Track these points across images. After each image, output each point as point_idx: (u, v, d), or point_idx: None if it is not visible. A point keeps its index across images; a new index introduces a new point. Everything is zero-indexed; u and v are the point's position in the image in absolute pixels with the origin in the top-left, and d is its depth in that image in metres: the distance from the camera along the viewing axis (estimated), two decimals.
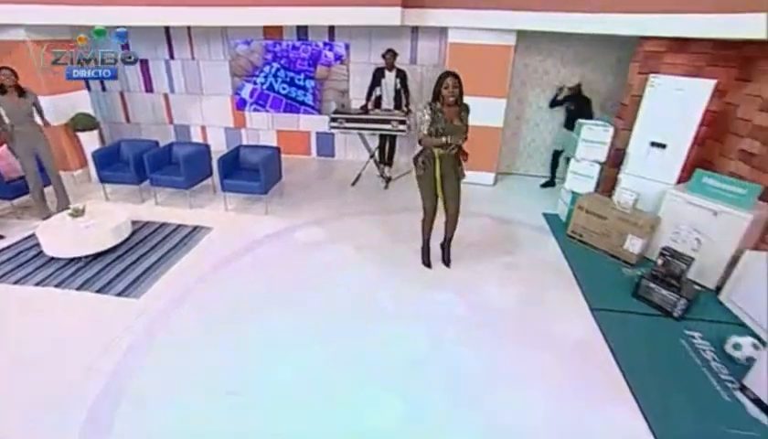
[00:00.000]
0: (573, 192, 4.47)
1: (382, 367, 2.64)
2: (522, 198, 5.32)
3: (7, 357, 2.71)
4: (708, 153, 4.31)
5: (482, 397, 2.44)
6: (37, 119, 4.37)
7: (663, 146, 3.88)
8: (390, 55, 5.17)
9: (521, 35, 5.04)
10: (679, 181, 3.86)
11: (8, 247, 3.97)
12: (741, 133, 3.93)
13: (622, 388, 2.53)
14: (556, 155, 5.54)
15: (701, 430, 2.26)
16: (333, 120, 5.23)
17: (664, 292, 3.15)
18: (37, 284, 3.44)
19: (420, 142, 3.24)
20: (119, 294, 3.33)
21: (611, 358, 2.75)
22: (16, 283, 3.45)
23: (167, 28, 6.01)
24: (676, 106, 3.72)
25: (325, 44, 5.89)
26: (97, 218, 3.94)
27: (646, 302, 3.28)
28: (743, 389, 2.47)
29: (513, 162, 6.12)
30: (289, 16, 4.68)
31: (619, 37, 5.01)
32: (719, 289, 3.44)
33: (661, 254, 3.22)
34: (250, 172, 4.73)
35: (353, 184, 5.52)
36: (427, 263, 3.72)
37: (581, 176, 4.45)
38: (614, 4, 4.13)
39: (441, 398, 2.43)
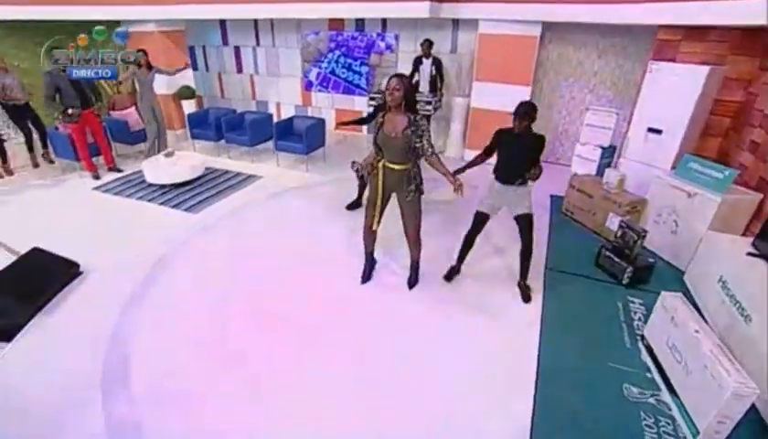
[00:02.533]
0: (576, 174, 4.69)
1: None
2: (541, 183, 5.54)
3: (108, 231, 4.11)
4: (728, 144, 4.21)
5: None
6: (155, 88, 5.91)
7: (659, 132, 3.97)
8: (427, 45, 5.80)
9: (551, 26, 5.30)
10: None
11: (125, 176, 5.55)
12: (755, 124, 3.83)
13: (531, 331, 2.88)
14: None
15: (582, 365, 2.61)
16: (371, 99, 6.04)
17: (616, 259, 3.39)
18: (138, 199, 4.87)
19: None
20: (186, 210, 4.58)
21: (538, 307, 3.12)
22: (126, 197, 4.94)
23: (256, 21, 7.36)
24: (673, 93, 3.81)
25: (378, 35, 6.71)
26: (181, 160, 5.30)
27: (603, 270, 3.53)
28: (642, 338, 2.73)
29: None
30: (327, 10, 5.69)
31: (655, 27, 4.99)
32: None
33: (620, 226, 3.44)
34: (298, 136, 5.78)
35: None
36: (363, 276, 3.37)
37: (584, 158, 4.63)
38: None
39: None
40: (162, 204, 4.73)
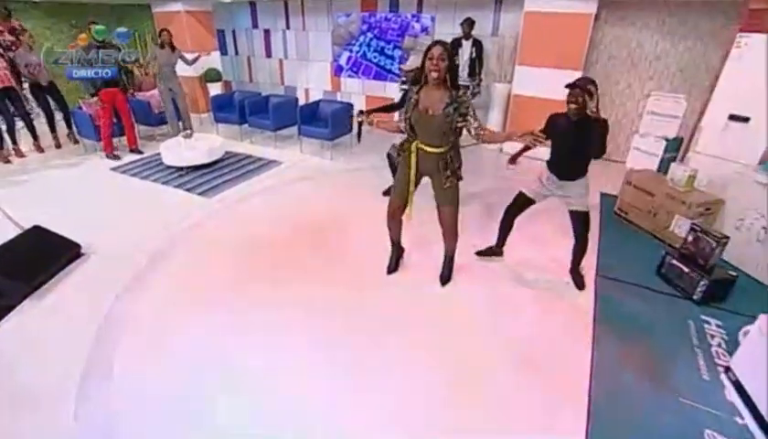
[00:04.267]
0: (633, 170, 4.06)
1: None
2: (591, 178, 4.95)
3: (117, 213, 3.92)
4: None
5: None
6: (178, 69, 5.72)
7: (746, 120, 3.30)
8: (468, 24, 5.30)
9: (608, 3, 4.67)
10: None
11: (144, 158, 5.39)
12: None
13: (584, 343, 2.42)
14: None
15: (647, 398, 2.09)
16: (403, 83, 5.59)
17: (686, 270, 2.80)
18: (154, 181, 4.66)
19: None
20: (200, 194, 4.32)
21: (590, 319, 2.62)
22: (142, 179, 4.75)
23: (286, 3, 7.07)
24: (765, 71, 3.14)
25: (413, 16, 6.25)
26: (200, 142, 5.07)
27: (668, 281, 2.94)
28: (728, 370, 2.17)
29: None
30: None
31: (728, 2, 4.27)
32: None
33: (692, 230, 2.85)
34: (323, 121, 5.42)
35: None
36: (391, 268, 3.02)
37: (644, 152, 4.00)
38: None
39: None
40: (177, 187, 4.49)
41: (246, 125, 5.94)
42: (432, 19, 6.13)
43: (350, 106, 5.57)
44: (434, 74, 2.22)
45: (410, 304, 2.73)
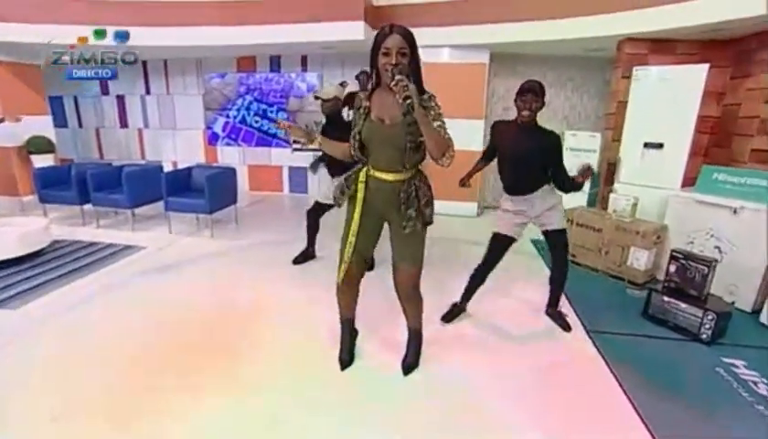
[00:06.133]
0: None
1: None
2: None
3: None
4: (714, 162, 3.73)
5: None
6: None
7: (659, 146, 3.33)
8: (365, 76, 4.94)
9: (497, 58, 4.83)
10: (684, 186, 3.26)
11: None
12: (750, 133, 3.39)
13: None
14: None
15: None
16: (295, 142, 4.85)
17: (683, 306, 2.38)
18: None
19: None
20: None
21: (619, 392, 1.92)
22: None
23: (144, 63, 5.99)
24: (667, 99, 3.25)
25: (297, 75, 5.76)
26: (8, 228, 3.41)
27: (661, 323, 2.49)
28: None
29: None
30: (246, 35, 4.52)
31: (599, 59, 4.75)
32: (756, 311, 2.65)
33: (672, 258, 2.50)
34: (198, 191, 4.25)
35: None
36: (345, 360, 2.04)
37: None
38: (585, 5, 3.85)
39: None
40: None
41: (90, 205, 4.39)
42: (320, 78, 5.71)
43: (233, 171, 4.54)
44: (390, 72, 1.53)
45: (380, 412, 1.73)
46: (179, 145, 6.36)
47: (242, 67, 5.84)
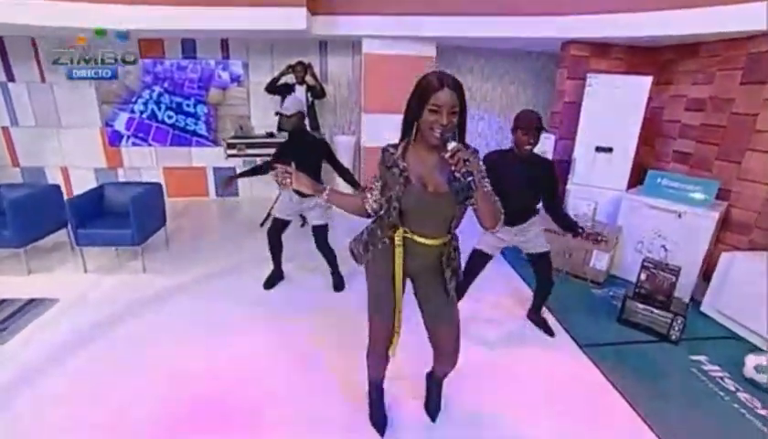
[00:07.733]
0: None
1: None
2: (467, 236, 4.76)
3: None
4: (643, 160, 4.16)
5: None
6: None
7: (609, 150, 3.59)
8: (301, 67, 4.44)
9: (441, 49, 4.69)
10: (628, 187, 3.58)
11: None
12: (673, 135, 3.83)
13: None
14: None
15: None
16: (231, 146, 4.26)
17: (656, 312, 2.64)
18: None
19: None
20: None
21: (624, 405, 2.08)
22: None
23: (1, 39, 4.61)
24: (616, 106, 3.48)
25: (217, 63, 4.98)
26: None
27: (634, 326, 2.74)
28: None
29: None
30: (175, 19, 3.73)
31: (535, 52, 4.92)
32: (693, 300, 3.07)
33: (644, 267, 2.74)
34: (117, 217, 3.49)
35: (262, 224, 4.45)
36: (378, 424, 1.91)
37: None
38: (535, 4, 3.89)
39: None
40: None
41: None
42: (245, 66, 5.01)
43: (159, 187, 3.82)
44: (437, 133, 1.31)
45: None
46: (68, 148, 5.14)
47: (147, 52, 4.83)
